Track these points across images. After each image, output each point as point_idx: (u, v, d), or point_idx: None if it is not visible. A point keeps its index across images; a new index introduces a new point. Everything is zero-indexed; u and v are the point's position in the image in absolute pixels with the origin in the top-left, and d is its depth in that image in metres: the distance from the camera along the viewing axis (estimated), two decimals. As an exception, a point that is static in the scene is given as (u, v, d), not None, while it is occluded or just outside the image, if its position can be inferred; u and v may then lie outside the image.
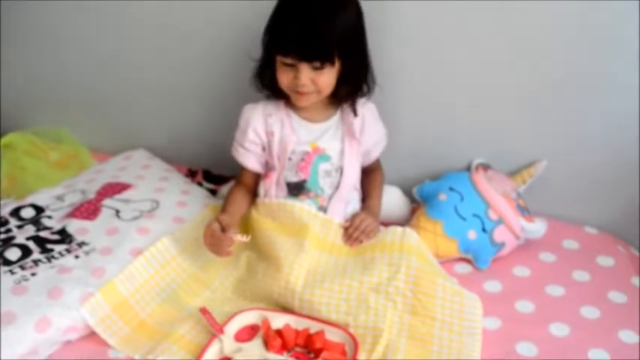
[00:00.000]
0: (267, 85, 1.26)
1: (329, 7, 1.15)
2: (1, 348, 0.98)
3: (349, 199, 1.31)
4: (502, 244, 1.31)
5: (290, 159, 1.27)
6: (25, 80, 1.72)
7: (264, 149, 1.30)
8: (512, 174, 1.44)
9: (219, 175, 1.59)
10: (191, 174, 1.60)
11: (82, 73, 1.67)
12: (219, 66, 1.53)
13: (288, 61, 1.16)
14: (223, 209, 1.29)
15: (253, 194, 1.34)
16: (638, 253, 1.39)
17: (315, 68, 1.16)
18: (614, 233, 1.42)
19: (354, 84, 1.24)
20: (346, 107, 1.29)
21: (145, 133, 1.68)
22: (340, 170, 1.28)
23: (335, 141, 1.28)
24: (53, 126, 1.69)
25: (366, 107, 1.30)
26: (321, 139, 1.28)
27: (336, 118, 1.30)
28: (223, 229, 1.16)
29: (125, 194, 1.36)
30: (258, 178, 1.33)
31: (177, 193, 1.40)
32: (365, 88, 1.27)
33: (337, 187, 1.29)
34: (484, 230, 1.30)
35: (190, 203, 1.37)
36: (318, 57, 1.15)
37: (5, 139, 1.63)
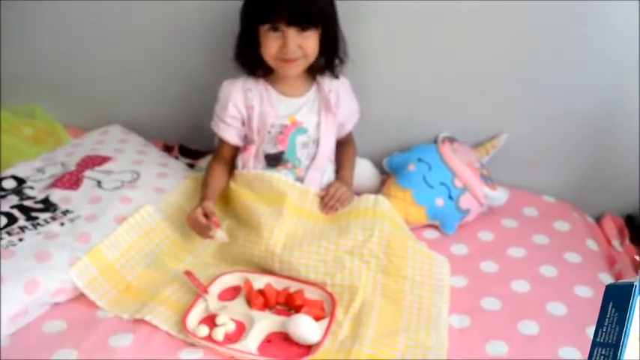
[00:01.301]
0: (249, 62, 1.30)
1: None
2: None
3: (325, 169, 1.38)
4: (467, 211, 1.39)
5: (269, 132, 1.32)
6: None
7: (243, 123, 1.34)
8: (476, 146, 1.52)
9: (195, 149, 1.63)
10: (167, 149, 1.63)
11: (55, 50, 1.67)
12: (193, 41, 1.57)
13: (275, 27, 1.20)
14: (204, 184, 1.34)
15: (232, 167, 1.39)
16: (591, 220, 1.50)
17: (303, 30, 1.21)
18: (569, 201, 1.52)
19: (330, 54, 1.30)
20: (322, 81, 1.35)
21: (120, 109, 1.70)
22: (316, 142, 1.35)
23: (312, 114, 1.34)
24: (26, 103, 1.70)
25: (340, 82, 1.36)
26: (298, 113, 1.33)
27: (312, 93, 1.36)
28: (206, 216, 1.21)
29: (105, 166, 1.39)
30: (236, 151, 1.38)
31: (157, 165, 1.43)
32: (339, 60, 1.33)
33: (313, 158, 1.35)
34: (450, 198, 1.38)
35: (170, 175, 1.41)
36: (305, 19, 1.20)
37: (-22, 117, 1.63)
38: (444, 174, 1.40)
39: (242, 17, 1.28)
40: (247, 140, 1.36)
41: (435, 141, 1.51)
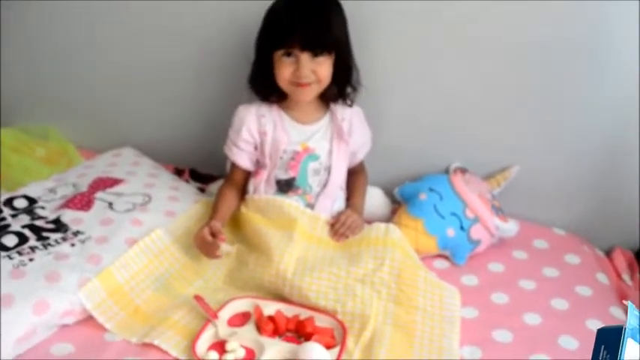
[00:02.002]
0: (264, 88, 1.31)
1: (324, 0, 1.25)
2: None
3: (336, 197, 1.38)
4: (478, 242, 1.39)
5: (281, 158, 1.32)
6: (14, 78, 1.73)
7: (256, 148, 1.35)
8: (487, 177, 1.52)
9: (206, 174, 1.63)
10: (178, 172, 1.63)
11: (70, 72, 1.69)
12: (206, 66, 1.58)
13: (289, 52, 1.22)
14: (214, 207, 1.34)
15: (243, 192, 1.39)
16: (601, 253, 1.49)
17: (316, 55, 1.23)
18: (579, 234, 1.52)
19: (343, 81, 1.32)
20: (335, 109, 1.35)
21: (132, 132, 1.71)
22: (328, 169, 1.35)
23: (324, 142, 1.35)
24: (41, 123, 1.71)
25: (353, 110, 1.37)
26: (311, 140, 1.34)
27: (325, 120, 1.36)
28: (213, 235, 1.21)
29: (117, 188, 1.39)
30: (248, 175, 1.39)
31: (168, 189, 1.44)
32: (351, 88, 1.34)
33: (325, 185, 1.35)
34: (462, 228, 1.38)
35: (181, 198, 1.41)
36: (318, 44, 1.22)
37: (-10, 135, 1.64)
38: (456, 204, 1.40)
39: (257, 44, 1.30)
40: (259, 165, 1.36)
41: (447, 171, 1.51)
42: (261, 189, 1.35)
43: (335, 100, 1.35)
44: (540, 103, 1.45)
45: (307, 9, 1.22)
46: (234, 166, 1.38)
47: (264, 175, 1.34)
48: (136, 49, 1.62)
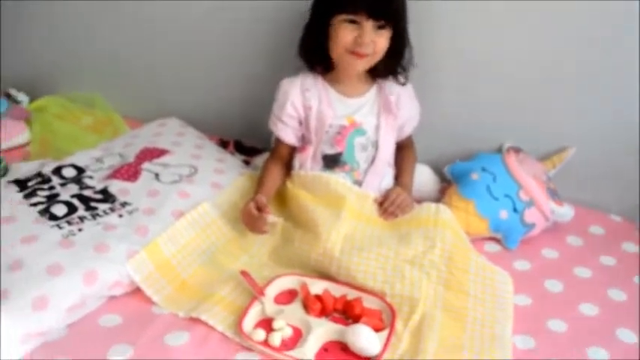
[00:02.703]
0: (314, 54, 1.27)
1: None
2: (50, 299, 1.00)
3: (384, 173, 1.34)
4: (532, 225, 1.33)
5: (327, 132, 1.29)
6: (63, 47, 1.73)
7: (300, 123, 1.32)
8: (542, 158, 1.46)
9: (251, 146, 1.61)
10: (222, 144, 1.62)
11: (117, 42, 1.68)
12: (252, 37, 1.55)
13: (354, 18, 1.18)
14: (260, 182, 1.32)
15: (288, 167, 1.36)
16: (660, 242, 1.42)
17: (379, 27, 1.19)
18: (636, 221, 1.45)
19: (396, 58, 1.27)
20: (383, 83, 1.31)
21: (177, 102, 1.70)
22: (375, 145, 1.31)
23: (371, 116, 1.31)
24: (87, 92, 1.71)
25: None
26: (357, 114, 1.30)
27: (372, 94, 1.32)
28: (259, 209, 1.19)
29: (163, 159, 1.38)
30: (293, 150, 1.36)
31: (214, 161, 1.42)
32: (402, 68, 1.29)
33: (372, 162, 1.31)
34: (515, 210, 1.32)
35: (227, 171, 1.39)
36: (385, 14, 1.18)
37: (37, 103, 1.65)
38: (510, 186, 1.34)
39: (316, 5, 1.26)
40: (305, 140, 1.33)
41: (500, 150, 1.46)
42: (308, 165, 1.32)
43: (384, 76, 1.30)
44: (601, 78, 1.37)
45: None
46: (278, 141, 1.35)
47: (310, 150, 1.31)
48: (182, 20, 1.59)
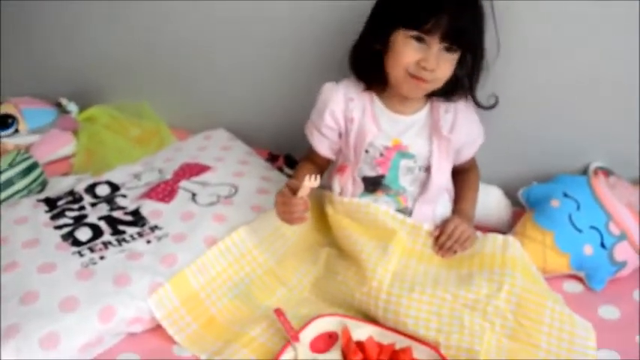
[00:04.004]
0: (370, 70, 1.11)
1: None
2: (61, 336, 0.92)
3: (438, 201, 1.16)
4: (623, 264, 1.13)
5: (367, 151, 1.12)
6: (112, 55, 1.68)
7: (340, 136, 1.16)
8: (636, 183, 1.24)
9: (301, 161, 1.49)
10: (272, 158, 1.50)
11: (166, 50, 1.60)
12: (305, 48, 1.42)
13: (422, 37, 1.01)
14: (294, 177, 1.18)
15: (323, 172, 1.22)
16: None
17: (448, 51, 1.02)
18: None
19: (459, 84, 1.11)
20: (437, 101, 1.13)
21: (227, 113, 1.60)
22: (426, 170, 1.13)
23: (420, 139, 1.13)
24: (136, 101, 1.64)
25: (459, 103, 1.14)
26: (405, 135, 1.12)
27: (423, 113, 1.14)
28: (294, 193, 1.04)
29: (203, 177, 1.28)
30: (328, 161, 1.21)
31: (258, 179, 1.30)
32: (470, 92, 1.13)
33: (424, 190, 1.14)
34: (603, 246, 1.12)
35: (271, 191, 1.26)
36: (459, 40, 1.01)
37: (87, 113, 1.60)
38: (597, 215, 1.14)
39: (377, 14, 1.09)
40: (343, 157, 1.17)
41: (585, 172, 1.25)
42: (348, 189, 1.15)
43: (441, 95, 1.12)
44: None
45: None
46: (313, 149, 1.20)
47: (349, 172, 1.15)
48: (232, 29, 1.49)
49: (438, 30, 0.99)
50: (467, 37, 1.03)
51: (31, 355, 0.89)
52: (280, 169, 1.44)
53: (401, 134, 1.12)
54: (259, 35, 1.46)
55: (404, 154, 1.12)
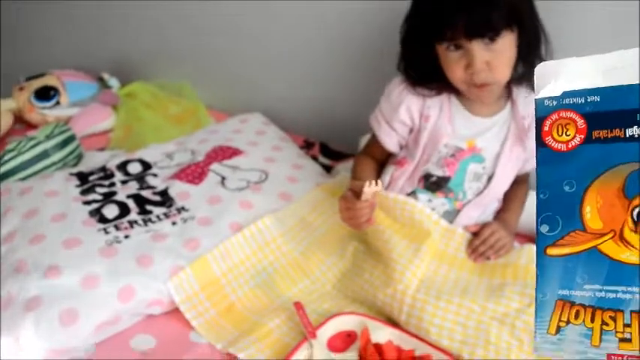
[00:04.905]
0: (433, 85, 1.05)
1: None
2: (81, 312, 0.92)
3: (488, 206, 1.11)
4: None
5: (439, 151, 1.06)
6: (155, 34, 1.67)
7: (411, 132, 1.10)
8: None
9: (337, 151, 1.45)
10: (307, 145, 1.48)
11: (213, 32, 1.58)
12: (347, 37, 1.38)
13: (455, 44, 0.95)
14: (353, 177, 1.14)
15: (381, 166, 1.16)
16: None
17: (491, 41, 0.93)
18: None
19: (528, 59, 1.00)
20: (518, 102, 1.05)
21: (266, 97, 1.58)
22: (490, 176, 1.07)
23: (495, 142, 1.06)
24: (177, 80, 1.63)
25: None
26: (480, 137, 1.05)
27: (503, 115, 1.06)
28: (357, 197, 0.99)
29: (234, 160, 1.26)
30: (389, 155, 1.15)
31: (289, 167, 1.28)
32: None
33: (480, 194, 1.08)
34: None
35: (301, 179, 1.24)
36: (489, 26, 0.92)
37: (127, 89, 1.61)
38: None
39: (409, 33, 1.03)
40: (406, 152, 1.11)
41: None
42: (399, 184, 1.10)
43: (519, 81, 1.04)
44: None
45: None
46: (377, 141, 1.12)
47: (409, 167, 1.09)
48: (275, 15, 1.46)
49: (461, 33, 0.93)
50: (497, 19, 0.93)
51: (49, 329, 0.89)
52: (315, 158, 1.42)
53: (476, 136, 1.05)
54: (308, 23, 1.42)
55: (475, 156, 1.05)
